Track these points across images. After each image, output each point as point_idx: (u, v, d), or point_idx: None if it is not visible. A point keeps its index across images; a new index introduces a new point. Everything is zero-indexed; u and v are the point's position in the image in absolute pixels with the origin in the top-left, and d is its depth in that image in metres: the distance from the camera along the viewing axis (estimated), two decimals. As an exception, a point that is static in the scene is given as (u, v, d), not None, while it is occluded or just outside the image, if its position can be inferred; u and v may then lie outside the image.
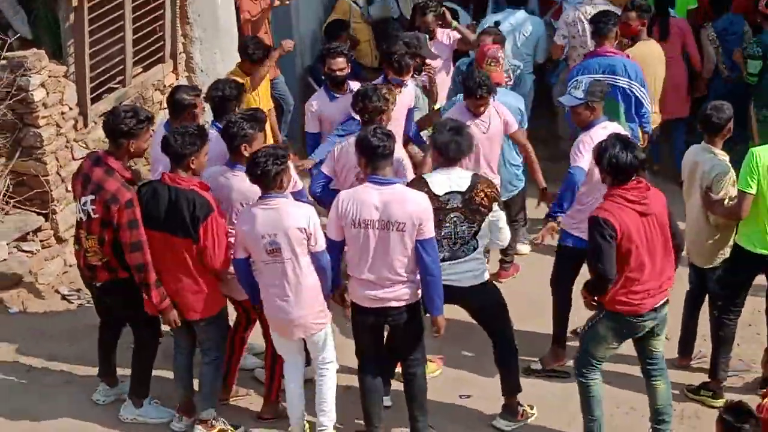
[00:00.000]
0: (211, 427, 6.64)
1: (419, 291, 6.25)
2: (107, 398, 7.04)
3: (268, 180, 6.05)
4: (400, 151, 7.41)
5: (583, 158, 6.93)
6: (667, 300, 6.26)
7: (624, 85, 8.34)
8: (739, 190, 6.67)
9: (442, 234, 6.43)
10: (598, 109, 7.09)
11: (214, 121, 7.12)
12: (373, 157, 6.12)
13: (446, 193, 6.43)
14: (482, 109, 7.47)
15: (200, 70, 9.64)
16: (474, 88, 7.45)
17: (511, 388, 6.79)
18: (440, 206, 6.39)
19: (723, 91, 9.53)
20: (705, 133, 6.91)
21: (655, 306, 6.19)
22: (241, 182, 6.37)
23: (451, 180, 6.47)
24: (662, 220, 6.23)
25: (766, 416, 5.61)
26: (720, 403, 6.79)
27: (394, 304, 6.19)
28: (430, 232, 6.12)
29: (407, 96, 7.96)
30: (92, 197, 6.51)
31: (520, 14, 9.71)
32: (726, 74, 9.72)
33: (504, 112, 7.69)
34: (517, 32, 9.52)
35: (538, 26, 9.77)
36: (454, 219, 6.44)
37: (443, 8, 9.48)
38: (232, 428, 6.72)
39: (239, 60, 8.65)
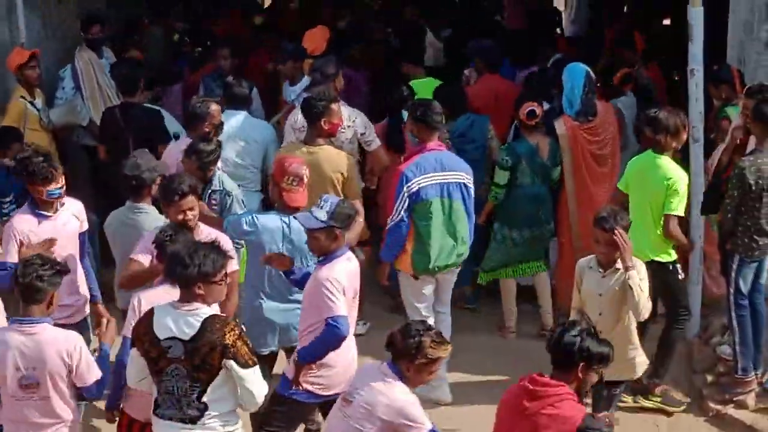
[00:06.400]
0: None
1: None
2: None
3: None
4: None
5: (339, 304, 6.31)
6: None
7: (463, 181, 7.53)
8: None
9: (164, 388, 5.90)
10: (341, 237, 6.43)
11: None
12: None
13: (167, 338, 5.79)
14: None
15: None
16: None
17: None
18: (160, 354, 5.84)
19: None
20: None
21: None
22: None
23: (176, 322, 5.78)
24: None
25: None
26: None
27: None
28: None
29: None
30: None
31: (240, 116, 8.41)
32: None
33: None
34: (237, 138, 8.26)
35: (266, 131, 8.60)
36: (175, 372, 5.81)
37: None
38: None
39: None
